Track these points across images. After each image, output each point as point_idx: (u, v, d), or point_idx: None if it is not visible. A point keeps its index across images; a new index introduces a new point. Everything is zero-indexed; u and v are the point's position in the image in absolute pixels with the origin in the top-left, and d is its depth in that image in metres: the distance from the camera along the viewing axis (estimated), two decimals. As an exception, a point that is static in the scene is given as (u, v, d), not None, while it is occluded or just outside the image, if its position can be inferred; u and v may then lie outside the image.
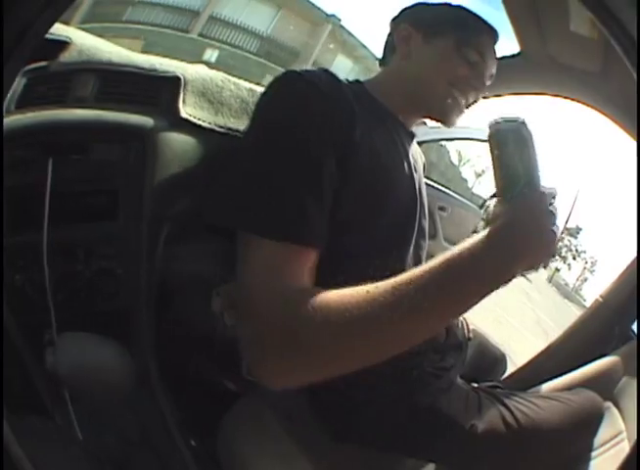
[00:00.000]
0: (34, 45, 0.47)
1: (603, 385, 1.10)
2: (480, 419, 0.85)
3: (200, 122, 1.00)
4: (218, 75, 1.06)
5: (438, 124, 0.92)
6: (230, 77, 1.08)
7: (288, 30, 11.82)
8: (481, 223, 0.64)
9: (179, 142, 0.97)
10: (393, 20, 0.90)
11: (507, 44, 1.31)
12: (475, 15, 0.84)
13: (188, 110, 0.99)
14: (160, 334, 1.03)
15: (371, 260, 0.74)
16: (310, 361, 0.56)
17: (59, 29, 0.89)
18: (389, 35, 0.91)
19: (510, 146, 0.62)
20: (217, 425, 0.87)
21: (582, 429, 0.96)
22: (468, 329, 0.99)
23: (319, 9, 12.25)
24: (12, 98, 0.82)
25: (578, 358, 1.27)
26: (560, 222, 0.60)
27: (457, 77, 0.81)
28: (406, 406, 0.83)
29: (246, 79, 1.15)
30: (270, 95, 0.71)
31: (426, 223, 0.91)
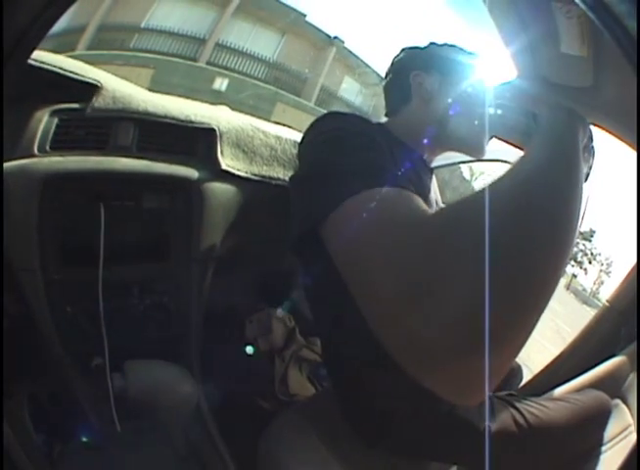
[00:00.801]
0: (35, 46, 0.47)
1: (612, 384, 1.15)
2: (494, 421, 0.91)
3: (238, 173, 1.09)
4: (247, 124, 1.15)
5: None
6: (257, 125, 1.17)
7: (294, 55, 11.89)
8: None
9: (222, 191, 1.06)
10: (392, 69, 0.97)
11: (504, 72, 1.41)
12: (459, 48, 0.92)
13: (227, 161, 1.08)
14: (205, 359, 1.11)
15: None
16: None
17: (88, 71, 0.94)
18: (387, 85, 0.98)
19: (505, 115, 0.77)
20: (257, 440, 0.90)
21: (590, 426, 1.01)
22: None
23: (322, 32, 12.35)
24: (44, 137, 0.88)
25: (589, 361, 1.32)
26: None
27: (477, 104, 0.85)
28: (429, 414, 0.87)
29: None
30: (319, 125, 0.70)
31: None
